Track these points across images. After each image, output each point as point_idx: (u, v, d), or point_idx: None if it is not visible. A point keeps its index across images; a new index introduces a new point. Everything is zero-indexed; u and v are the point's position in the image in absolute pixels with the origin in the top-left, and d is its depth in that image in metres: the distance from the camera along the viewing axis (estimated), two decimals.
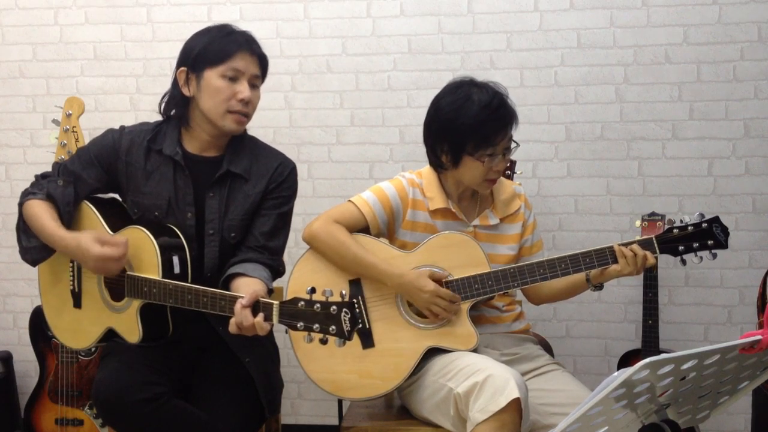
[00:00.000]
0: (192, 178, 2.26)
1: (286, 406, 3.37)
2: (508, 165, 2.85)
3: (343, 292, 1.90)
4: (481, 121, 2.21)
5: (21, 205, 2.29)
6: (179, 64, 2.24)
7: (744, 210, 3.17)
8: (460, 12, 3.24)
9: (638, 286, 3.03)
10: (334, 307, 1.82)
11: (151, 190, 2.25)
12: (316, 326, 1.84)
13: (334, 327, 1.82)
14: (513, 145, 2.29)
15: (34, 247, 2.26)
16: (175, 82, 2.26)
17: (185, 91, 2.23)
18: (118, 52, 3.38)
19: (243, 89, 2.20)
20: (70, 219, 2.26)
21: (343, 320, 1.82)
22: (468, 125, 2.21)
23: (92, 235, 2.12)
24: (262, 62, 2.27)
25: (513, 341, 2.39)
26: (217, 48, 2.18)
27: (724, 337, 3.18)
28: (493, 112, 2.21)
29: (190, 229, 2.23)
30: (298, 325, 1.86)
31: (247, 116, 2.25)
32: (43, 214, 2.21)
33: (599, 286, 2.33)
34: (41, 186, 2.27)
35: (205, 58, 2.19)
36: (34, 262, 2.32)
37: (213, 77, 2.18)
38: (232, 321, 1.97)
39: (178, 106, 2.26)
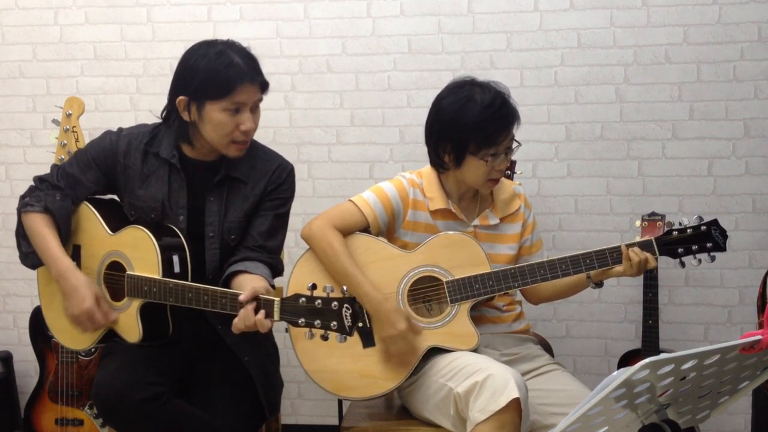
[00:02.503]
0: (188, 181, 2.25)
1: (286, 406, 3.37)
2: (509, 165, 2.85)
3: (344, 288, 1.91)
4: (483, 121, 2.21)
5: (19, 212, 2.29)
6: (178, 89, 2.17)
7: (744, 210, 3.16)
8: (460, 12, 3.24)
9: (638, 286, 3.03)
10: (335, 302, 1.83)
11: (147, 192, 2.25)
12: (317, 322, 1.84)
13: (335, 323, 1.83)
14: (515, 144, 2.30)
15: (33, 252, 2.27)
16: (173, 105, 2.20)
17: (185, 117, 2.18)
18: (118, 52, 3.38)
19: (245, 120, 2.16)
20: (67, 233, 2.27)
21: (345, 316, 1.82)
22: (471, 125, 2.21)
23: (94, 289, 2.16)
24: (263, 86, 2.22)
25: (513, 341, 2.39)
26: (219, 82, 2.11)
27: (724, 337, 3.18)
28: (496, 112, 2.22)
29: (182, 232, 2.23)
30: (300, 322, 1.87)
31: (249, 142, 2.23)
32: (45, 231, 2.21)
33: (599, 284, 2.33)
34: (39, 198, 2.26)
35: (206, 91, 2.12)
36: (33, 266, 2.33)
37: (215, 111, 2.13)
38: (236, 321, 1.98)
39: (178, 128, 2.23)
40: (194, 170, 2.27)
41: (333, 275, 2.29)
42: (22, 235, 2.30)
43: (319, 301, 1.84)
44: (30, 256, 2.29)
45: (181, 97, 2.17)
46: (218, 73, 2.12)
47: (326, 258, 2.29)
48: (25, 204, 2.28)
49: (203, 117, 2.15)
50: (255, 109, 2.21)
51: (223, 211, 2.26)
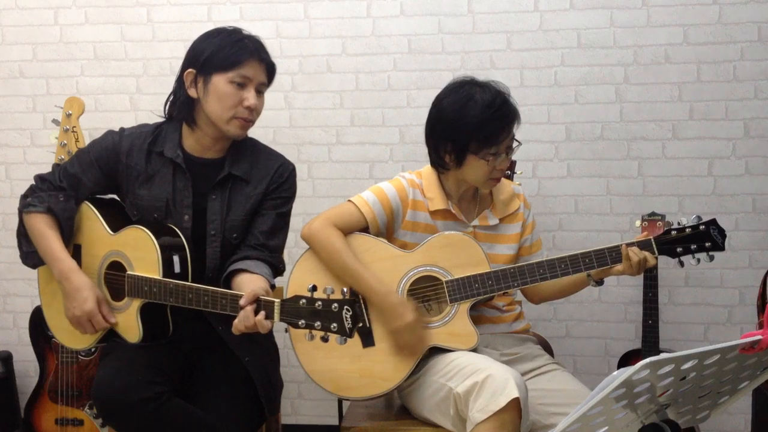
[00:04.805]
0: (192, 180, 2.26)
1: (286, 406, 3.37)
2: (509, 164, 2.86)
3: (344, 290, 1.91)
4: (484, 121, 2.21)
5: (21, 212, 2.30)
6: (187, 65, 2.24)
7: (744, 210, 3.17)
8: (460, 12, 3.24)
9: (638, 286, 3.03)
10: (336, 304, 1.83)
11: (150, 192, 2.26)
12: (317, 324, 1.84)
13: (335, 324, 1.83)
14: (515, 143, 2.30)
15: (34, 252, 2.28)
16: (180, 83, 2.26)
17: (191, 93, 2.23)
18: (118, 52, 3.38)
19: (250, 96, 2.20)
20: (70, 234, 2.27)
21: (345, 318, 1.82)
22: (471, 125, 2.21)
23: (95, 291, 2.17)
24: (270, 69, 2.27)
25: (513, 341, 2.39)
26: (227, 54, 2.18)
27: (724, 337, 3.18)
28: (496, 111, 2.22)
29: (186, 231, 2.23)
30: (300, 323, 1.87)
31: (252, 122, 2.26)
32: (48, 232, 2.22)
33: (600, 281, 2.33)
34: (42, 199, 2.26)
35: (214, 62, 2.18)
36: (34, 266, 2.33)
37: (221, 82, 2.18)
38: (236, 322, 1.98)
39: (182, 106, 2.26)
40: (197, 169, 2.27)
41: (335, 273, 2.29)
42: (23, 234, 2.30)
43: (320, 302, 1.84)
44: (31, 256, 2.29)
45: (189, 70, 2.22)
46: (228, 46, 2.20)
47: (328, 256, 2.29)
48: (28, 204, 2.28)
49: (209, 89, 2.19)
50: (260, 94, 2.25)
51: (225, 210, 2.27)
